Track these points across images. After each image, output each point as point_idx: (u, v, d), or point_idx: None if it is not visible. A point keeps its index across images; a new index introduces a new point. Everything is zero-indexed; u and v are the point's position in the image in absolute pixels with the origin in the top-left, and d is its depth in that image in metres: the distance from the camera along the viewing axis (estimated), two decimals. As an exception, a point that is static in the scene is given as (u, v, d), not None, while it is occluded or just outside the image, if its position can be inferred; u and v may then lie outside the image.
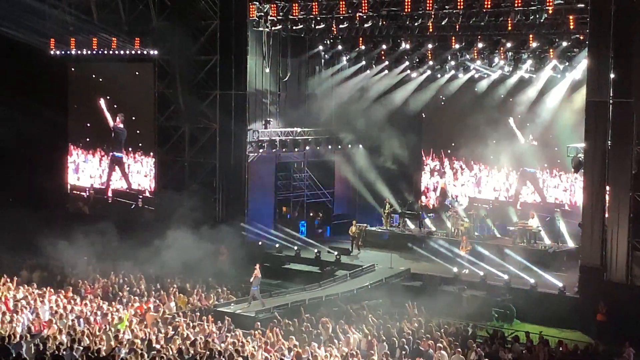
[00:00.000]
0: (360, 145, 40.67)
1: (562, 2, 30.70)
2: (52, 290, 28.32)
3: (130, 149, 40.76)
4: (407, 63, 38.11)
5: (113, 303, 27.49)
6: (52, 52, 40.46)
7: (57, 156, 42.77)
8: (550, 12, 30.98)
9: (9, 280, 29.17)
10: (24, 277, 31.52)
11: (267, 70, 37.57)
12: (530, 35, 33.02)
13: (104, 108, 40.48)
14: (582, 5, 29.98)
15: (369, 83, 39.84)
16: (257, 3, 35.92)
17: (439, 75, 38.50)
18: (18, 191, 41.38)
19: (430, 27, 34.09)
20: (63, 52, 40.51)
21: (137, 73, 39.94)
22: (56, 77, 41.65)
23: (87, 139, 42.36)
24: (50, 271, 32.98)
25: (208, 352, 20.98)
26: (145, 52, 38.27)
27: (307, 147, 38.91)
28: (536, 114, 36.09)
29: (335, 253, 34.51)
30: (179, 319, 25.32)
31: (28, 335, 22.39)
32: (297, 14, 35.48)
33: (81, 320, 24.39)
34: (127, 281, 31.21)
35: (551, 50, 33.18)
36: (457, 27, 34.04)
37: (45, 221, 36.95)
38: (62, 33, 40.12)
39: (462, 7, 32.15)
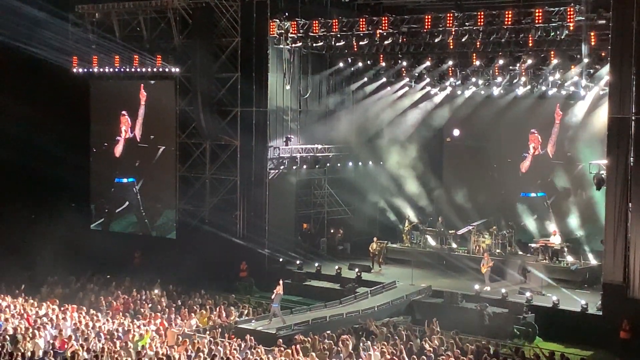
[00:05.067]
0: (381, 162, 40.67)
1: (583, 18, 30.60)
2: (74, 306, 28.43)
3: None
4: (427, 80, 38.15)
5: (134, 320, 27.54)
6: (74, 70, 40.73)
7: (78, 173, 42.93)
8: (571, 28, 30.90)
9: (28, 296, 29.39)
10: (45, 293, 31.71)
11: (288, 87, 37.64)
12: (552, 52, 32.94)
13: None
14: (604, 22, 29.87)
15: (390, 100, 39.84)
16: (278, 21, 36.05)
17: (459, 92, 38.49)
18: (39, 208, 41.64)
19: (451, 44, 34.07)
20: (85, 70, 40.77)
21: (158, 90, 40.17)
22: (79, 95, 41.95)
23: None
24: (72, 287, 33.10)
25: (229, 369, 21.00)
26: (166, 70, 38.47)
27: (328, 164, 38.96)
28: (558, 130, 35.95)
29: (356, 270, 34.42)
30: (200, 336, 25.34)
31: (52, 351, 22.48)
32: (317, 31, 35.59)
33: (102, 336, 24.46)
34: (148, 297, 31.29)
35: (572, 66, 33.07)
36: (478, 44, 34.07)
37: (67, 238, 37.15)
38: (84, 51, 40.43)
39: (482, 24, 32.13)
